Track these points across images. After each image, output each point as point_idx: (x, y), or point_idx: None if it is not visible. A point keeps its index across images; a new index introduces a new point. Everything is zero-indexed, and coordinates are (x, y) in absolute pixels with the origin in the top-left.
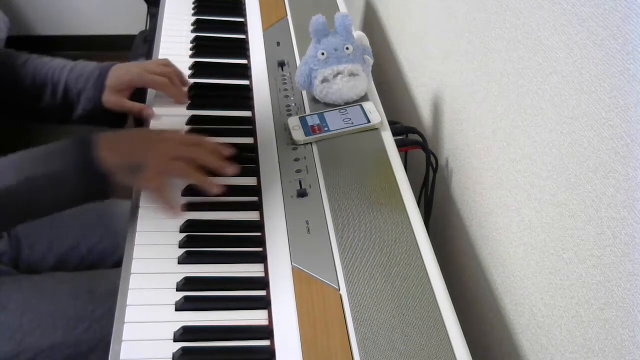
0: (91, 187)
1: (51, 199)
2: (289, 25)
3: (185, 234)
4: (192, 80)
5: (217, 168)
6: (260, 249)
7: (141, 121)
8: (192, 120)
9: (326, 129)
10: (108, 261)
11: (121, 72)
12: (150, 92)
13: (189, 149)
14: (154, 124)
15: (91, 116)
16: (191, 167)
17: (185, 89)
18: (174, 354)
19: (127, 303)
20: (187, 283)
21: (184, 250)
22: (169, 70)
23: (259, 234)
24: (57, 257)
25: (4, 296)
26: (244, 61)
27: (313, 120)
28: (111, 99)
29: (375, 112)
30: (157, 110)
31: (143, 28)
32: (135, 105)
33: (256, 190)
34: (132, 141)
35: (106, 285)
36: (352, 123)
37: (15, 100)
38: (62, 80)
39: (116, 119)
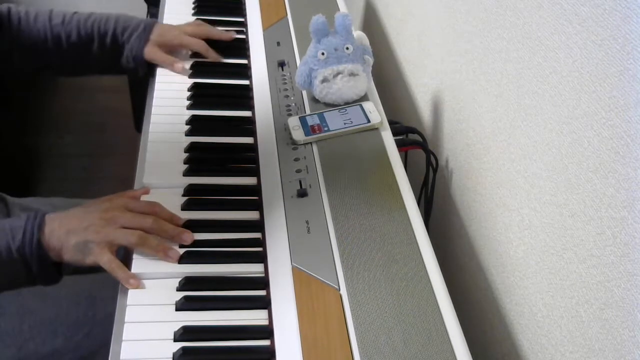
0: (32, 271)
1: None
2: (289, 25)
3: None
4: (191, 80)
5: (172, 238)
6: (260, 249)
7: (140, 121)
8: (192, 120)
9: (326, 129)
10: None
11: (163, 30)
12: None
13: (138, 218)
14: (155, 123)
15: (132, 64)
16: (141, 235)
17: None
18: (174, 354)
19: (127, 303)
20: (187, 283)
21: (184, 250)
22: (204, 30)
23: (259, 234)
24: None
25: (4, 301)
26: (244, 61)
27: (313, 120)
28: (150, 51)
29: (375, 112)
30: (157, 110)
31: None
32: (168, 58)
33: (256, 190)
34: (75, 218)
35: (107, 289)
36: (352, 123)
37: (62, 56)
38: (109, 31)
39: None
